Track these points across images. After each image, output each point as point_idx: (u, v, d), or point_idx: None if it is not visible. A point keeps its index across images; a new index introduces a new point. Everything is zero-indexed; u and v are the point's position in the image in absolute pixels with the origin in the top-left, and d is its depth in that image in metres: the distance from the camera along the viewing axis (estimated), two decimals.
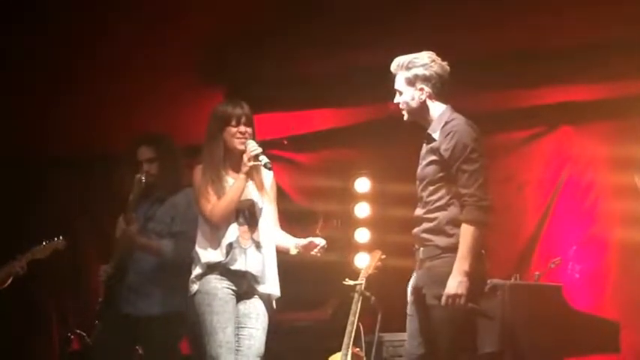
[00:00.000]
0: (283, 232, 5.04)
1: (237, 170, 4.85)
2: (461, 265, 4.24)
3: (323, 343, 6.53)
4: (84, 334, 6.83)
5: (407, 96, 4.49)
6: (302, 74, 6.55)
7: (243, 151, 4.83)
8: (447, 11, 5.75)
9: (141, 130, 5.69)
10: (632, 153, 6.43)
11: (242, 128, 4.85)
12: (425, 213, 4.45)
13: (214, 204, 4.78)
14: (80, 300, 7.67)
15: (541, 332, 5.07)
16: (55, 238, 5.86)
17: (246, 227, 4.84)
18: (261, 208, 4.89)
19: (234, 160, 4.88)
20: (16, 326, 7.48)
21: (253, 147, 4.80)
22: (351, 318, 6.13)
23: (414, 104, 4.49)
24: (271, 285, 4.89)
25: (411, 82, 4.47)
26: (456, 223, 4.34)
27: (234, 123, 4.85)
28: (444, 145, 4.37)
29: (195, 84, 6.69)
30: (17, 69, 6.30)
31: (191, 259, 4.88)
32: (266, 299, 4.88)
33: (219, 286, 4.77)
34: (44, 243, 5.84)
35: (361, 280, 6.23)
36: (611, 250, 6.63)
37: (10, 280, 5.93)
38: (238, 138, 4.85)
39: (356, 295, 6.21)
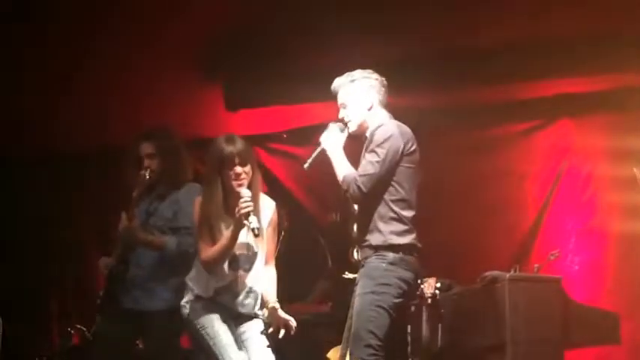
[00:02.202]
0: (270, 279, 4.87)
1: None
2: (337, 156, 4.71)
3: (323, 336, 6.54)
4: (84, 329, 6.84)
5: (353, 107, 4.76)
6: (300, 68, 6.55)
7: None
8: (444, 5, 5.74)
9: (141, 126, 5.68)
10: (630, 145, 6.43)
11: (237, 169, 4.66)
12: (359, 212, 4.72)
13: (208, 251, 4.68)
14: (81, 295, 7.68)
15: (541, 324, 5.08)
16: None
17: (239, 272, 4.75)
18: (256, 253, 4.77)
19: (233, 199, 4.68)
20: (16, 321, 7.49)
21: (245, 203, 4.57)
22: (350, 311, 6.13)
23: (360, 113, 4.75)
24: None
25: (356, 92, 4.76)
26: (384, 219, 4.59)
27: (228, 165, 4.66)
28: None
29: (194, 79, 6.68)
30: (18, 69, 6.31)
31: (192, 255, 4.90)
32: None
33: (212, 307, 4.77)
34: None
35: None
36: (610, 242, 6.64)
37: None
38: (235, 180, 4.68)
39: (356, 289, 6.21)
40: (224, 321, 4.75)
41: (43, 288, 7.78)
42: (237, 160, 4.67)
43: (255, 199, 4.67)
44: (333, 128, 4.79)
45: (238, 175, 4.67)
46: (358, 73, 4.78)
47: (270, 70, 6.62)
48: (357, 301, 4.63)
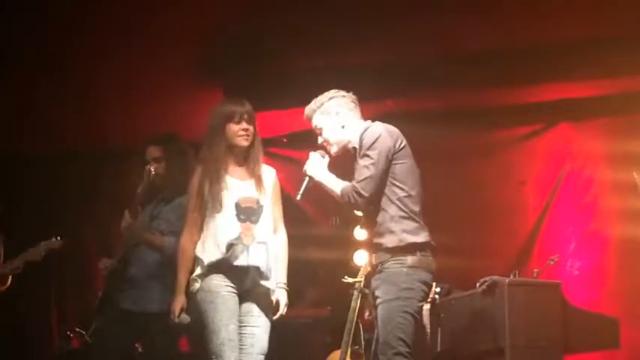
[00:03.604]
0: (279, 253, 4.91)
1: (238, 167, 4.84)
2: (326, 179, 4.71)
3: (323, 340, 6.54)
4: (83, 332, 6.84)
5: (328, 130, 4.79)
6: (300, 72, 6.55)
7: (247, 148, 4.83)
8: (444, 7, 5.75)
9: (141, 128, 5.69)
10: (631, 149, 6.43)
11: (244, 125, 4.83)
12: (367, 217, 4.72)
13: (186, 238, 4.83)
14: (80, 297, 7.68)
15: (540, 329, 5.06)
16: (53, 238, 5.87)
17: (248, 224, 4.75)
18: (262, 205, 4.81)
19: (235, 157, 4.85)
20: (16, 324, 7.49)
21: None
22: (350, 315, 6.13)
23: (336, 134, 4.78)
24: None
25: (327, 113, 4.78)
26: (395, 219, 4.59)
27: (236, 120, 4.82)
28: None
29: (195, 82, 6.69)
30: (18, 69, 6.31)
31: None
32: (270, 294, 4.84)
33: (222, 284, 4.71)
34: (41, 244, 5.86)
35: (360, 278, 6.24)
36: (610, 247, 6.63)
37: (9, 282, 5.95)
38: (240, 135, 4.82)
39: (355, 293, 6.22)
40: (229, 307, 4.69)
41: (43, 290, 7.78)
42: (245, 117, 4.84)
43: (256, 164, 4.86)
44: (314, 156, 4.81)
45: (246, 129, 4.83)
46: (324, 96, 4.82)
47: (270, 74, 6.62)
48: (381, 309, 4.57)
